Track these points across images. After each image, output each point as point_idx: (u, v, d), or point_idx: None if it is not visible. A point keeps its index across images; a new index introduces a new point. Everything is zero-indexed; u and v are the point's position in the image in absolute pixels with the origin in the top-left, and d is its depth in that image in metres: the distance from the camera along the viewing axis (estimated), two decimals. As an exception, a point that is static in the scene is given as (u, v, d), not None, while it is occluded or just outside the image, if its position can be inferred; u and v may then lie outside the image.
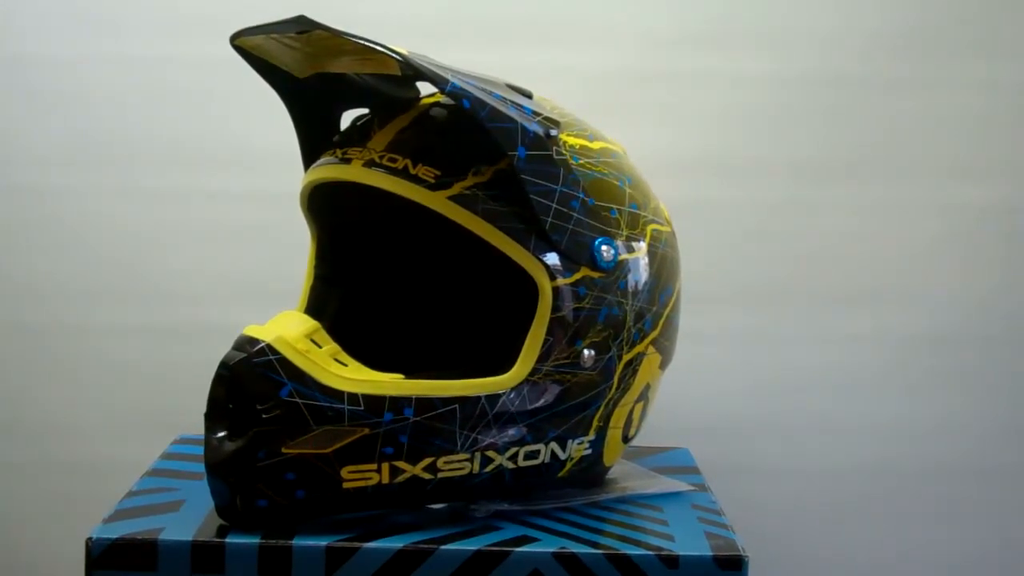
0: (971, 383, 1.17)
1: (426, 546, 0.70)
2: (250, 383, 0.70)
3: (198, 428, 0.73)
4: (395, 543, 0.70)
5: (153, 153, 1.12)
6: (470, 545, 0.71)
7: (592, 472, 0.82)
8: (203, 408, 0.72)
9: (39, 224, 1.12)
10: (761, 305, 1.15)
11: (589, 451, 0.79)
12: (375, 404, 0.71)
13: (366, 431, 0.71)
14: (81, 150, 1.11)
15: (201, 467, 0.72)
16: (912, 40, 1.12)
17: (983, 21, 1.13)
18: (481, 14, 1.11)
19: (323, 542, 0.70)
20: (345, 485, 0.71)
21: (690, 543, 0.73)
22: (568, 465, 0.78)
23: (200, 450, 0.72)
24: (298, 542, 0.70)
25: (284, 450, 0.70)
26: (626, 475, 0.87)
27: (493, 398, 0.73)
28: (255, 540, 0.70)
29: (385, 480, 0.72)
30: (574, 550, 0.71)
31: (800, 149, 1.14)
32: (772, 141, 1.13)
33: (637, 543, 0.73)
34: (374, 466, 0.71)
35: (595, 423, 0.78)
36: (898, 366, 1.16)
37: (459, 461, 0.73)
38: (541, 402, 0.75)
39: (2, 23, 1.11)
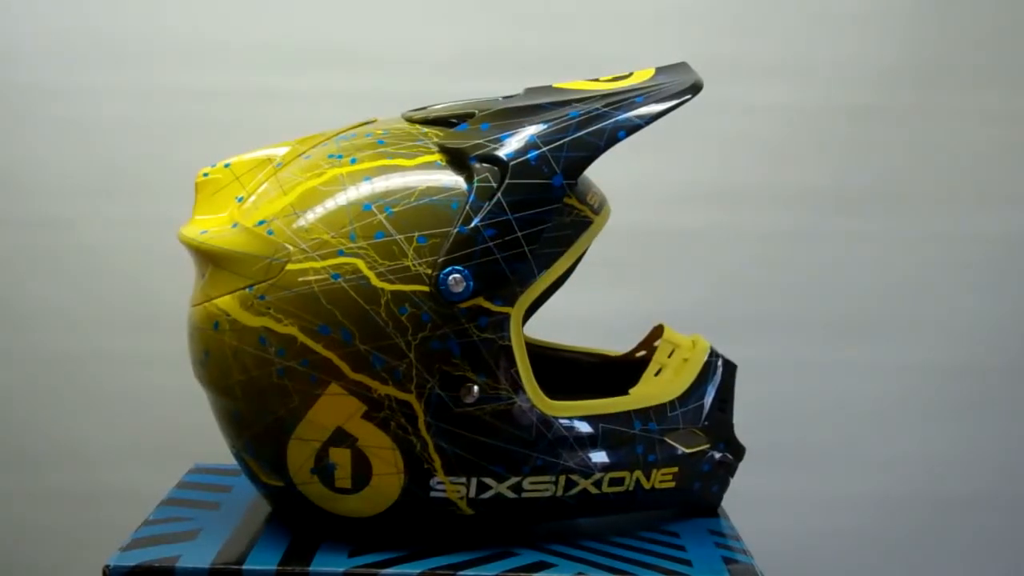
0: (992, 412, 1.16)
1: (443, 572, 0.70)
2: None
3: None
4: (413, 568, 0.70)
5: (163, 182, 1.12)
6: (489, 571, 0.70)
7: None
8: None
9: (53, 252, 1.14)
10: (778, 333, 1.15)
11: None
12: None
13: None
14: (91, 179, 1.12)
15: (216, 496, 0.71)
16: (926, 70, 1.13)
17: (996, 51, 1.13)
18: (506, 48, 1.12)
19: (340, 568, 0.70)
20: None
21: (707, 568, 0.73)
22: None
23: (215, 479, 0.72)
24: (315, 568, 0.70)
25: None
26: None
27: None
28: (272, 567, 0.70)
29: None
30: (592, 576, 0.70)
31: (815, 178, 1.14)
32: (785, 170, 1.14)
33: (654, 568, 0.72)
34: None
35: None
36: (918, 395, 1.16)
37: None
38: None
39: (6, 52, 1.12)
